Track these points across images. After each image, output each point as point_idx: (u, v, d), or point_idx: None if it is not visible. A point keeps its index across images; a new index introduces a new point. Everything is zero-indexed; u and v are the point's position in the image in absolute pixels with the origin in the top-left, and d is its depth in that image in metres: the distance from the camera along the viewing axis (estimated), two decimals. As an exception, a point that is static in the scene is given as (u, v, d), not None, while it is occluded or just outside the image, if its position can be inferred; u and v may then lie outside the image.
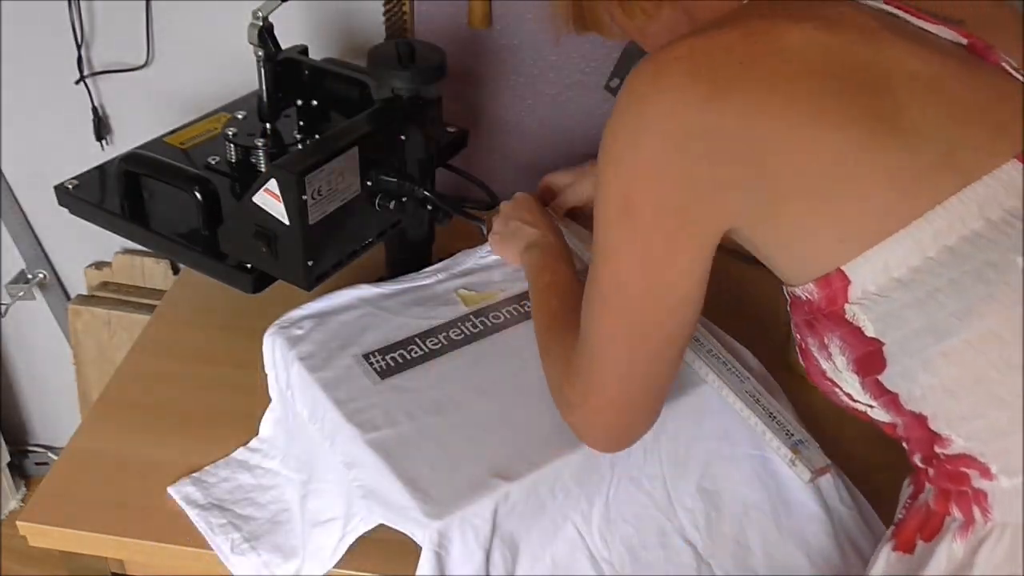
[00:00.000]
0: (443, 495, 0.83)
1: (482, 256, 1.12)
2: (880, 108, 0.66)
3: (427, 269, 1.10)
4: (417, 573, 0.83)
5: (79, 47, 1.39)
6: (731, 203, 0.69)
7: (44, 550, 0.96)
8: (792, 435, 0.92)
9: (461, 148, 1.24)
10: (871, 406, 0.72)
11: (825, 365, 0.72)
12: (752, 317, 1.04)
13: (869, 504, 0.96)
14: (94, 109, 1.45)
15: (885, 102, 0.66)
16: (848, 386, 0.72)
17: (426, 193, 1.05)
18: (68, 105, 1.45)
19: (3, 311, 1.68)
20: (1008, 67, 0.70)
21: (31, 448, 1.93)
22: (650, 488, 0.94)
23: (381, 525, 0.87)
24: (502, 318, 1.03)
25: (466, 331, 1.01)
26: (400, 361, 0.97)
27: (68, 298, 1.68)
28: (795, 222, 0.69)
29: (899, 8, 0.72)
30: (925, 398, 0.67)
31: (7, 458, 1.85)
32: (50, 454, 1.92)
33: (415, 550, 0.83)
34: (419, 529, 0.82)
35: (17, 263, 1.65)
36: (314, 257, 0.98)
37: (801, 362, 0.76)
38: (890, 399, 0.69)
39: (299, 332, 0.99)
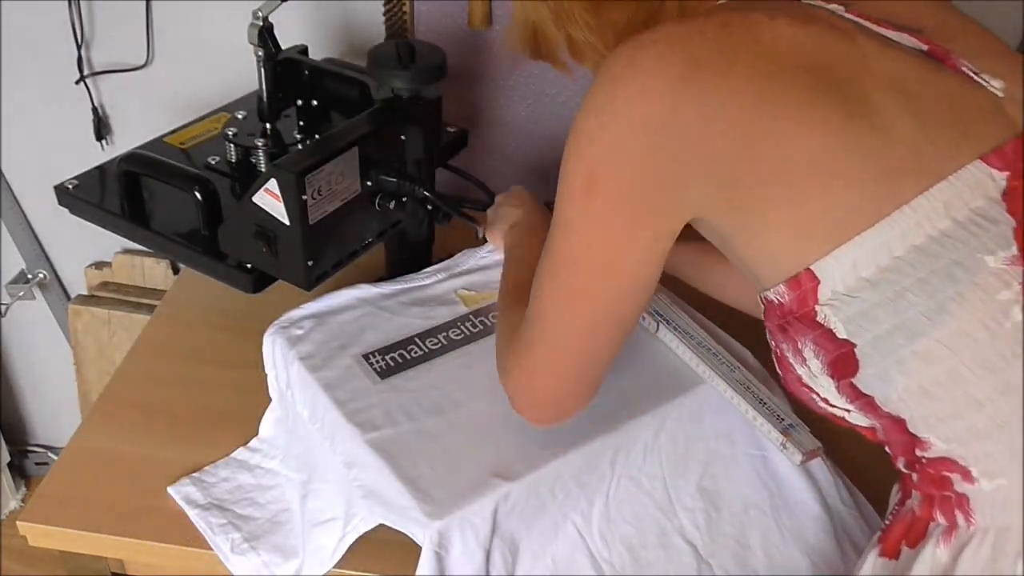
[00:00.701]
0: (443, 495, 0.83)
1: (482, 256, 1.12)
2: (851, 105, 0.66)
3: (427, 269, 1.10)
4: (417, 573, 0.83)
5: (79, 47, 1.39)
6: (694, 193, 0.70)
7: (44, 550, 0.96)
8: (783, 419, 0.92)
9: (461, 148, 1.24)
10: (848, 410, 0.72)
11: (800, 371, 0.72)
12: (752, 317, 1.04)
13: (869, 504, 0.96)
14: (94, 109, 1.45)
15: (856, 99, 0.66)
16: (824, 391, 0.72)
17: (426, 193, 1.05)
18: (68, 105, 1.45)
19: (3, 311, 1.69)
20: (968, 71, 0.70)
21: (31, 448, 1.93)
22: (650, 488, 0.94)
23: (381, 525, 0.87)
24: (502, 318, 1.03)
25: (466, 331, 1.02)
26: (400, 361, 0.97)
27: (68, 298, 1.68)
28: (760, 218, 0.69)
29: (861, 17, 0.73)
30: (901, 399, 0.67)
31: (7, 458, 1.85)
32: (50, 454, 1.92)
33: (415, 550, 0.83)
34: (419, 529, 0.82)
35: (17, 263, 1.65)
36: (314, 257, 0.98)
37: (779, 371, 0.76)
38: (866, 402, 0.69)
39: (299, 332, 0.99)
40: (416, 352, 0.98)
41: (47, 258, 1.65)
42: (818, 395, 0.73)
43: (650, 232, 0.72)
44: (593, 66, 0.83)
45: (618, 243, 0.73)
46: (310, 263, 0.98)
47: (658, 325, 1.00)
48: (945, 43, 0.72)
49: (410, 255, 1.15)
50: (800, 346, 0.70)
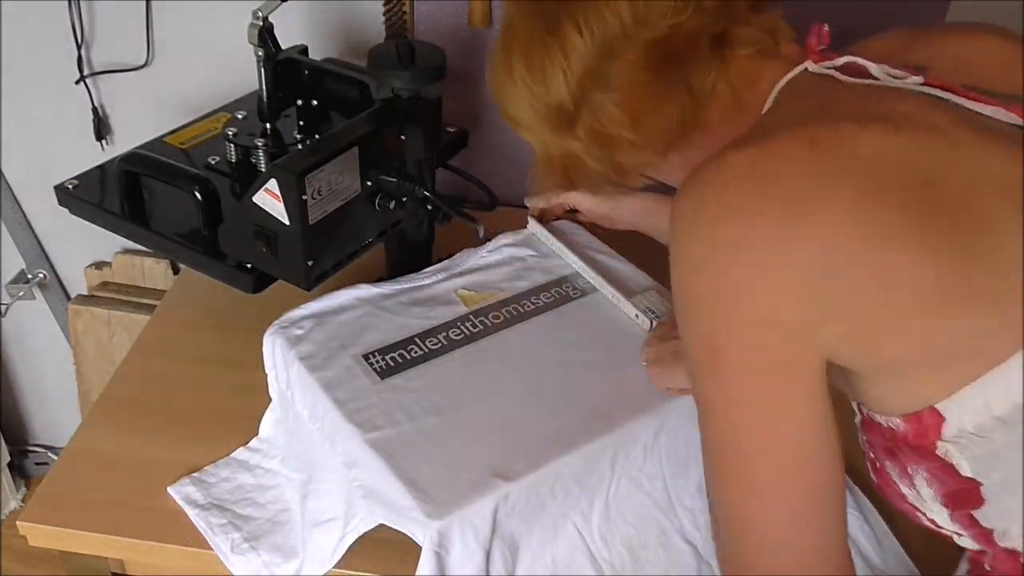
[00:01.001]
0: (443, 495, 0.83)
1: (482, 256, 1.12)
2: (970, 227, 0.58)
3: (427, 269, 1.10)
4: (417, 573, 0.83)
5: (79, 47, 1.39)
6: (826, 337, 0.61)
7: (44, 550, 0.96)
8: None
9: (461, 148, 1.24)
10: (959, 535, 0.66)
11: (906, 491, 0.66)
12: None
13: (870, 503, 0.96)
14: (94, 109, 1.45)
15: (975, 218, 0.59)
16: (933, 514, 0.66)
17: (426, 193, 1.05)
18: (68, 105, 1.45)
19: (3, 311, 1.69)
20: None
21: (31, 448, 1.93)
22: (650, 488, 0.94)
23: (381, 525, 0.87)
24: (502, 318, 1.03)
25: (466, 331, 1.01)
26: (400, 361, 0.97)
27: (68, 298, 1.68)
28: (886, 358, 0.62)
29: (944, 89, 0.66)
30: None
31: (7, 458, 1.85)
32: (50, 454, 1.92)
33: (415, 550, 0.83)
34: (419, 529, 0.82)
35: (17, 263, 1.65)
36: (314, 257, 0.98)
37: (872, 476, 0.69)
38: (982, 533, 0.64)
39: (299, 332, 0.99)
40: (416, 352, 0.98)
41: (47, 258, 1.65)
42: (924, 515, 0.67)
43: (798, 387, 0.62)
44: (644, 179, 0.76)
45: (770, 411, 0.62)
46: (310, 263, 0.98)
47: (651, 323, 1.01)
48: None
49: (410, 255, 1.15)
50: (910, 471, 0.64)
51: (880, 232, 0.58)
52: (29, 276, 1.65)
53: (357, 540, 0.89)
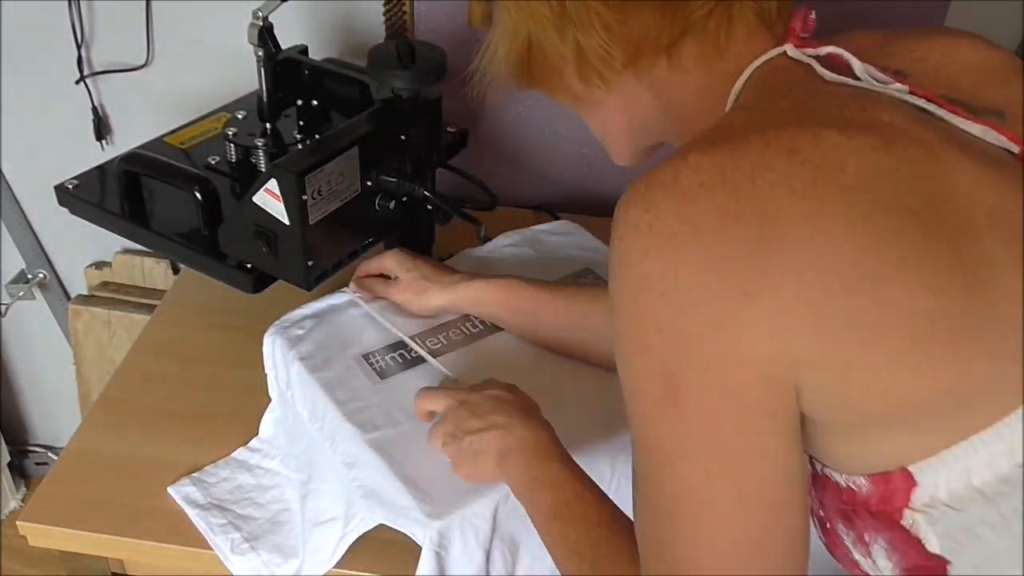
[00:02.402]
0: (443, 495, 0.83)
1: (482, 256, 1.12)
2: (970, 259, 0.51)
3: (427, 269, 1.09)
4: (417, 573, 0.83)
5: (79, 47, 1.39)
6: (801, 381, 0.53)
7: (44, 550, 0.96)
8: None
9: (461, 148, 1.24)
10: None
11: (860, 559, 0.58)
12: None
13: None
14: (94, 109, 1.45)
15: (973, 251, 0.51)
16: None
17: (426, 193, 1.05)
18: (68, 105, 1.45)
19: (3, 311, 1.68)
20: None
21: (31, 448, 1.93)
22: (650, 488, 0.94)
23: (381, 525, 0.87)
24: (502, 318, 1.03)
25: (466, 331, 1.02)
26: (400, 361, 0.97)
27: (68, 298, 1.68)
28: (862, 410, 0.53)
29: (929, 99, 0.58)
30: None
31: (7, 458, 1.85)
32: (50, 454, 1.92)
33: (415, 550, 0.83)
34: (419, 529, 0.82)
35: (17, 263, 1.65)
36: (314, 257, 0.98)
37: (820, 536, 0.61)
38: None
39: (299, 332, 0.99)
40: (416, 352, 0.98)
41: (47, 258, 1.65)
42: None
43: (773, 426, 0.53)
44: (594, 95, 0.68)
45: (742, 457, 0.53)
46: (310, 263, 0.98)
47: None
48: None
49: (410, 255, 1.15)
50: (867, 539, 0.57)
51: (868, 261, 0.50)
52: (29, 276, 1.65)
53: (357, 540, 0.89)
